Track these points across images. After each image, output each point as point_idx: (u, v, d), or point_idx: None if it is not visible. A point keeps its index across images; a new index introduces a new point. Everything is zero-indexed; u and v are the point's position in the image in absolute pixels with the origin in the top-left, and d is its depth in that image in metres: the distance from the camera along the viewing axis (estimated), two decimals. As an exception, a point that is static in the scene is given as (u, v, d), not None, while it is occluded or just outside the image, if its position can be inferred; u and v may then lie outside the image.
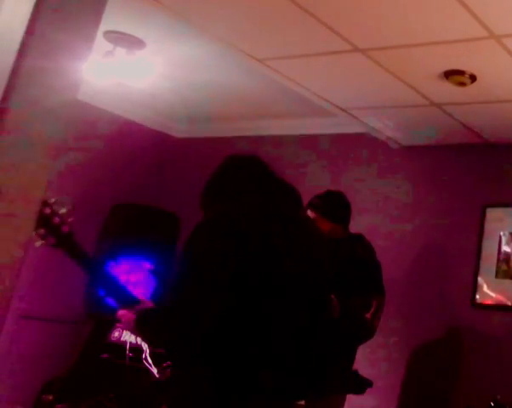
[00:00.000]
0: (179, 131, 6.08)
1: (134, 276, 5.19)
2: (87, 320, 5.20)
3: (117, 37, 4.27)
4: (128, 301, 2.41)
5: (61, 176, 4.89)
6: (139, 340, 4.47)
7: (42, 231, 2.37)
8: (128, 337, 4.61)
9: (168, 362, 3.95)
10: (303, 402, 2.35)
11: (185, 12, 3.50)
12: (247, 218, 2.26)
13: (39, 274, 5.03)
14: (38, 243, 2.39)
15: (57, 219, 2.38)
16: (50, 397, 4.78)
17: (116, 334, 4.75)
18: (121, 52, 4.40)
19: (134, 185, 5.72)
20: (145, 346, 4.20)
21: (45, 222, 2.37)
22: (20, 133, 2.56)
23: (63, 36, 2.64)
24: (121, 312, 2.41)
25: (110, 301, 2.46)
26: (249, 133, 5.60)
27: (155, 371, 3.90)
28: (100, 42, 4.14)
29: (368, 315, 3.46)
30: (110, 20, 3.75)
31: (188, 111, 5.67)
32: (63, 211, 2.41)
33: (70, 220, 2.42)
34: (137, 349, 4.37)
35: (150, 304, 2.41)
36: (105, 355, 4.64)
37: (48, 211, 2.37)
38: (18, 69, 2.51)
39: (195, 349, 2.16)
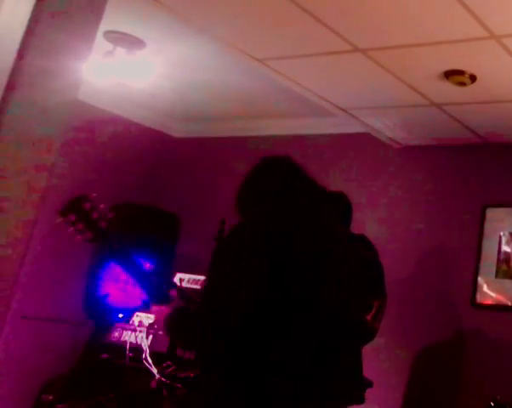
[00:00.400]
0: (179, 131, 6.07)
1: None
2: (87, 320, 5.20)
3: (117, 37, 4.27)
4: (163, 298, 2.40)
5: (61, 176, 4.89)
6: (139, 340, 4.48)
7: (80, 226, 2.37)
8: (128, 337, 4.61)
9: (168, 362, 3.96)
10: None
11: (185, 12, 3.50)
12: (280, 222, 2.25)
13: (39, 274, 5.03)
14: (77, 238, 2.38)
15: (96, 214, 2.39)
16: (50, 397, 4.78)
17: (116, 334, 4.75)
18: (121, 52, 4.41)
19: (134, 185, 5.72)
20: (145, 346, 4.21)
21: (84, 216, 2.37)
22: (20, 133, 2.56)
23: (63, 36, 2.65)
24: (155, 308, 2.41)
25: (145, 297, 2.46)
26: (249, 133, 5.61)
27: (155, 371, 3.91)
28: (100, 42, 4.14)
29: (368, 317, 3.44)
30: (110, 20, 3.75)
31: (188, 111, 5.67)
32: (103, 206, 2.41)
33: (110, 216, 2.43)
34: (137, 349, 4.38)
35: (181, 302, 2.40)
36: (105, 355, 4.64)
37: (87, 205, 2.38)
38: (18, 69, 2.51)
39: (220, 350, 2.15)
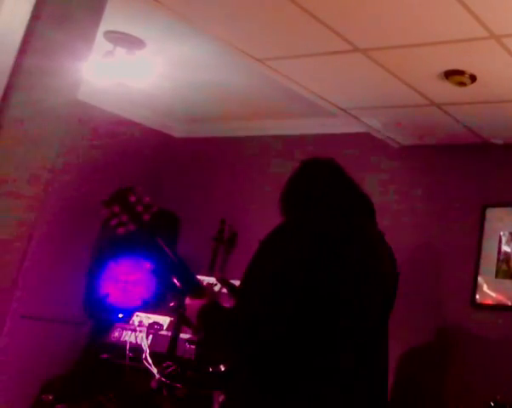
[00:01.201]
0: (179, 131, 6.08)
1: (134, 276, 5.19)
2: (87, 320, 5.20)
3: (117, 37, 4.28)
4: (197, 291, 2.39)
5: (61, 176, 4.90)
6: (139, 340, 4.48)
7: (124, 218, 2.37)
8: (128, 337, 4.61)
9: (168, 362, 3.96)
10: None
11: (185, 12, 3.50)
12: (325, 225, 2.23)
13: (39, 274, 5.03)
14: (119, 230, 2.38)
15: (140, 207, 2.39)
16: (50, 397, 4.78)
17: (116, 334, 4.75)
18: (121, 52, 4.41)
19: (134, 185, 5.71)
20: (145, 346, 4.21)
21: (128, 208, 2.37)
22: (20, 133, 2.57)
23: (63, 36, 2.65)
24: (188, 300, 2.38)
25: (181, 289, 2.45)
26: (249, 132, 5.61)
27: (155, 371, 3.91)
28: (100, 42, 4.14)
29: None
30: (110, 20, 3.75)
31: (188, 111, 5.67)
32: (147, 199, 2.42)
33: (153, 210, 2.43)
34: (137, 349, 4.39)
35: (215, 296, 2.38)
36: (105, 355, 4.64)
37: (133, 198, 2.39)
38: (18, 69, 2.51)
39: (255, 353, 2.10)
